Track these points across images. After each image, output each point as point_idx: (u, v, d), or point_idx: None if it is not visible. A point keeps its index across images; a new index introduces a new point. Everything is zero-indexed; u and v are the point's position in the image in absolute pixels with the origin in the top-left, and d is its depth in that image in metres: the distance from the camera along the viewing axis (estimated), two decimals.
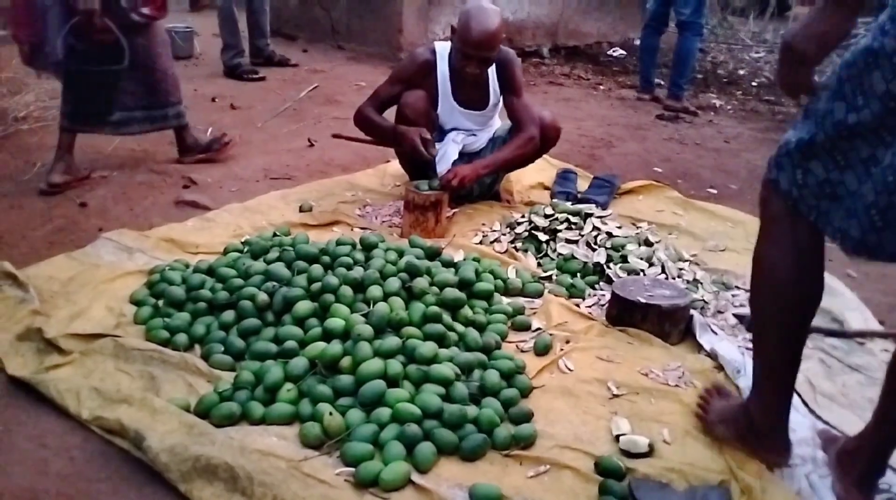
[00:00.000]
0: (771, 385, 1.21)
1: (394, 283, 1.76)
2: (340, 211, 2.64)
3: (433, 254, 2.05)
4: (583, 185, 3.04)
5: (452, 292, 1.79)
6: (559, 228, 2.27)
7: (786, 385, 1.21)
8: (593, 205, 2.49)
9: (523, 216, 2.46)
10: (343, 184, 2.97)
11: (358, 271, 1.79)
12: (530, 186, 3.05)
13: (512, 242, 2.33)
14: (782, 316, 1.14)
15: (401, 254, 1.98)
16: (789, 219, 1.10)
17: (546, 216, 2.33)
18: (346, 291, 1.72)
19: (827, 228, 1.06)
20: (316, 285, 1.75)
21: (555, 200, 2.61)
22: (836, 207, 1.03)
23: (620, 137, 4.03)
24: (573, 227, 2.28)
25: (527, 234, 2.31)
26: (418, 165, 2.57)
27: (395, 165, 3.11)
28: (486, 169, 2.37)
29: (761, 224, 1.15)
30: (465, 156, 2.54)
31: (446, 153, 2.43)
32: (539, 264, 2.20)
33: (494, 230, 2.49)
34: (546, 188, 3.06)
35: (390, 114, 2.57)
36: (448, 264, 2.07)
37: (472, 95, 2.56)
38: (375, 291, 1.73)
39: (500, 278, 2.08)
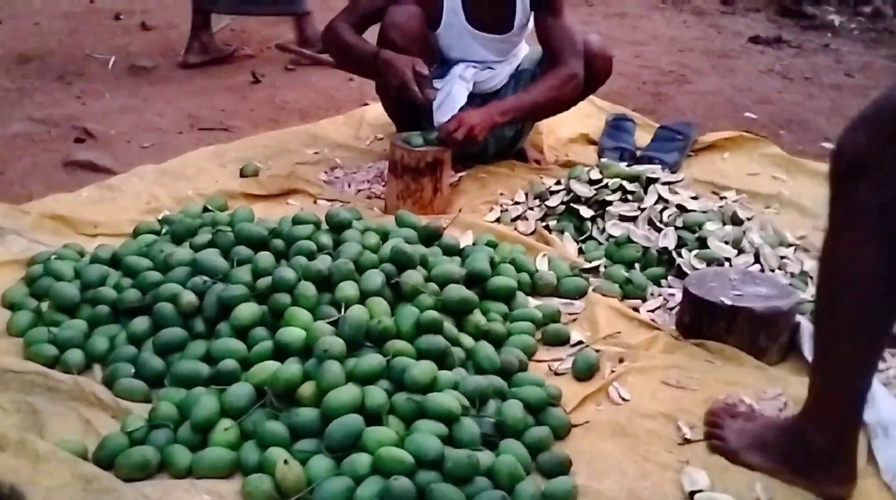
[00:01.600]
0: (839, 402, 1.29)
1: (375, 278, 1.79)
2: (298, 175, 2.67)
3: (430, 236, 2.08)
4: (643, 137, 3.05)
5: (458, 291, 1.82)
6: (609, 199, 2.31)
7: (856, 403, 1.29)
8: (658, 166, 2.52)
9: (558, 183, 2.49)
10: (302, 137, 2.97)
11: (324, 262, 1.82)
12: (569, 139, 3.06)
13: (542, 219, 2.39)
14: (865, 326, 1.21)
15: (384, 237, 2.02)
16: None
17: (591, 183, 2.36)
18: (307, 289, 1.75)
19: None
20: (264, 282, 1.79)
21: (604, 160, 2.64)
22: None
23: (697, 68, 4.06)
24: (629, 198, 2.31)
25: (564, 208, 2.36)
26: (409, 111, 2.59)
27: (375, 110, 3.09)
28: (505, 116, 2.40)
29: (837, 209, 1.21)
30: (477, 98, 2.57)
31: (450, 95, 2.47)
32: (581, 251, 2.25)
33: (518, 203, 2.51)
34: (591, 143, 3.06)
35: (373, 34, 2.59)
36: (452, 252, 2.10)
37: (490, 12, 2.57)
38: (348, 289, 1.75)
39: (526, 270, 2.10)
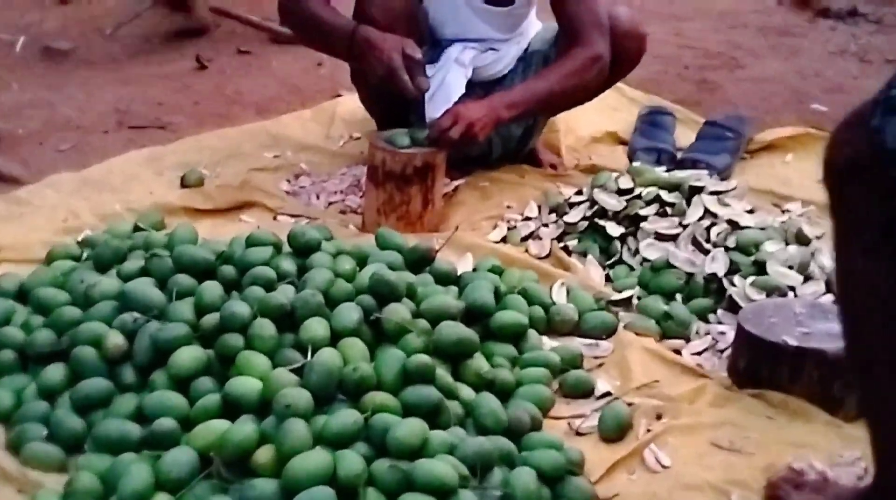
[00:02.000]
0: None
1: (350, 313, 1.81)
2: (254, 185, 2.69)
3: (420, 261, 2.11)
4: (686, 135, 3.08)
5: (454, 330, 1.84)
6: (643, 213, 2.33)
7: None
8: (704, 172, 2.55)
9: (580, 193, 2.48)
10: (259, 137, 2.98)
11: (285, 293, 1.84)
12: (592, 138, 3.07)
13: (560, 238, 2.41)
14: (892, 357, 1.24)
15: (362, 261, 2.05)
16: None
17: (620, 193, 2.38)
18: (265, 328, 1.77)
19: None
20: (210, 319, 1.80)
21: (636, 164, 2.65)
22: None
23: (753, 49, 4.08)
24: (668, 211, 2.34)
25: (586, 225, 2.38)
26: (394, 103, 2.61)
27: (350, 103, 3.11)
28: (513, 109, 2.43)
29: (840, 217, 1.25)
30: (478, 87, 2.59)
31: (444, 84, 2.49)
32: (608, 279, 2.28)
33: (529, 218, 2.51)
34: (620, 142, 3.08)
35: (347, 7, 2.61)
36: (446, 280, 2.10)
37: None
38: (316, 328, 1.78)
39: (540, 303, 2.10)
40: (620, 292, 2.18)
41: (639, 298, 2.16)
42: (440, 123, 2.36)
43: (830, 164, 1.24)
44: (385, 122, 2.63)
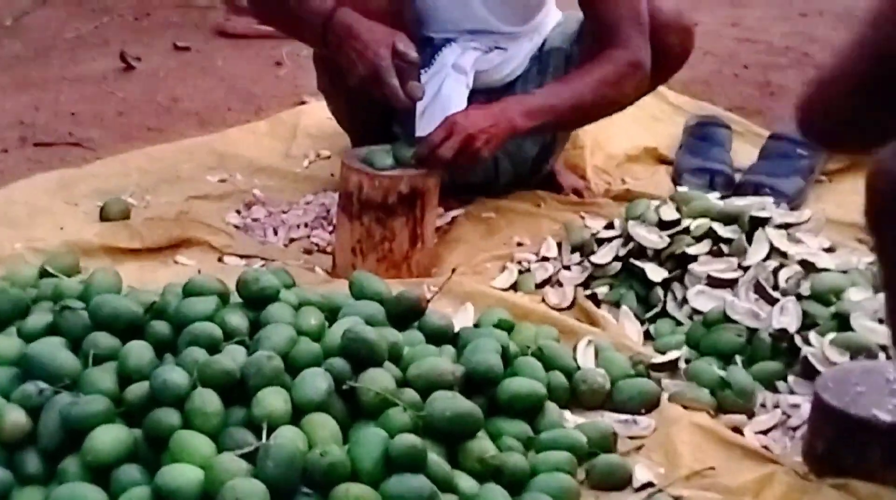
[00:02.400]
0: None
1: (316, 382, 1.81)
2: (194, 218, 2.69)
3: (407, 314, 2.13)
4: (746, 152, 3.09)
5: (450, 403, 1.84)
6: (692, 251, 2.34)
7: None
8: (769, 199, 2.55)
9: (610, 226, 2.50)
10: (201, 155, 3.01)
11: (234, 356, 1.85)
12: (627, 156, 3.09)
13: (586, 284, 2.42)
14: None
15: (332, 315, 2.07)
16: None
17: (663, 226, 2.40)
18: (207, 401, 1.76)
19: None
20: (137, 390, 1.79)
21: (682, 190, 2.66)
22: None
23: (830, 42, 4.06)
24: (724, 250, 2.35)
25: (620, 267, 2.39)
26: (375, 113, 2.64)
27: (317, 113, 3.15)
28: (531, 119, 2.44)
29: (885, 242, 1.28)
30: (480, 95, 2.61)
31: (440, 96, 2.52)
32: (648, 336, 2.29)
33: (546, 259, 2.53)
34: (663, 162, 3.09)
35: None
36: (441, 338, 2.12)
37: None
38: (273, 400, 1.77)
39: (560, 367, 2.11)
40: (664, 353, 2.19)
41: (687, 360, 2.16)
42: (431, 138, 2.36)
43: (874, 195, 1.32)
44: (362, 137, 2.65)
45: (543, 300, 2.39)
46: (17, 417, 1.77)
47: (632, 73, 2.49)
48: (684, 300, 2.31)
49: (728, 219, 2.39)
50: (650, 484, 1.86)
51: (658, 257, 2.38)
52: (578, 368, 2.11)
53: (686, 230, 2.38)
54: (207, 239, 2.57)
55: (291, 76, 3.50)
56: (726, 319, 2.20)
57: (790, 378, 2.11)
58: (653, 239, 2.38)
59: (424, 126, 2.47)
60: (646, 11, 2.50)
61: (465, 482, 1.76)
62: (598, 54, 2.49)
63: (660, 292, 2.34)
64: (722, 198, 2.51)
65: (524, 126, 2.42)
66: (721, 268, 2.31)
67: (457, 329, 2.13)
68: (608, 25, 2.49)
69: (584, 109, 2.50)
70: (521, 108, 2.43)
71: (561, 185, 2.82)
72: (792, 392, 2.09)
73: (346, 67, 2.40)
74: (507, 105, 2.44)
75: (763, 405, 2.07)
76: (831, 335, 2.11)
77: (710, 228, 2.36)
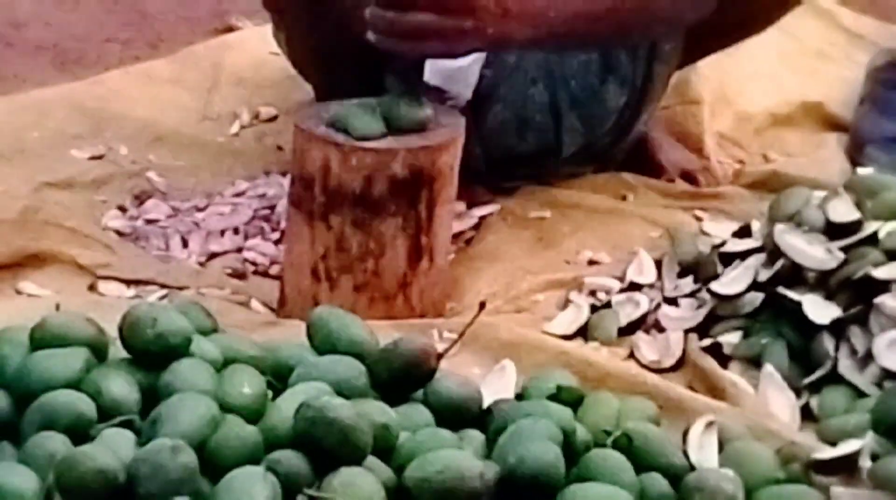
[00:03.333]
0: None
1: (253, 492, 1.66)
2: (49, 217, 2.59)
3: (404, 377, 1.99)
4: None
5: None
6: (882, 275, 2.22)
7: None
8: None
9: (743, 233, 2.41)
10: (62, 113, 2.92)
11: (114, 448, 1.72)
12: (772, 115, 3.01)
13: (705, 327, 2.33)
14: None
15: (278, 379, 1.97)
16: None
17: (834, 232, 2.29)
18: None
19: None
20: None
21: (865, 172, 2.54)
22: None
23: None
24: None
25: (761, 300, 2.29)
26: (350, 48, 2.54)
27: (253, 46, 3.11)
28: (528, 24, 2.39)
29: None
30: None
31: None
32: (808, 415, 2.20)
33: (638, 287, 2.44)
34: (835, 126, 2.99)
35: None
36: (460, 416, 1.99)
37: None
38: None
39: (663, 466, 1.94)
40: (834, 443, 2.00)
41: (874, 456, 1.97)
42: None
43: None
44: (333, 84, 2.61)
45: (633, 355, 2.29)
46: None
47: None
48: (868, 356, 2.16)
49: None
50: None
51: (825, 283, 2.23)
52: (692, 468, 1.94)
53: (872, 240, 2.24)
54: (71, 253, 2.44)
55: None
56: None
57: None
58: (816, 255, 2.23)
59: (438, 69, 2.55)
60: None
61: None
62: None
63: (828, 341, 2.19)
64: None
65: (556, 23, 2.39)
66: None
67: (487, 403, 2.00)
68: None
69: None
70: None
71: (661, 164, 2.75)
72: None
73: None
74: None
75: None
76: None
77: None
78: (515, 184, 2.66)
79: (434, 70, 2.48)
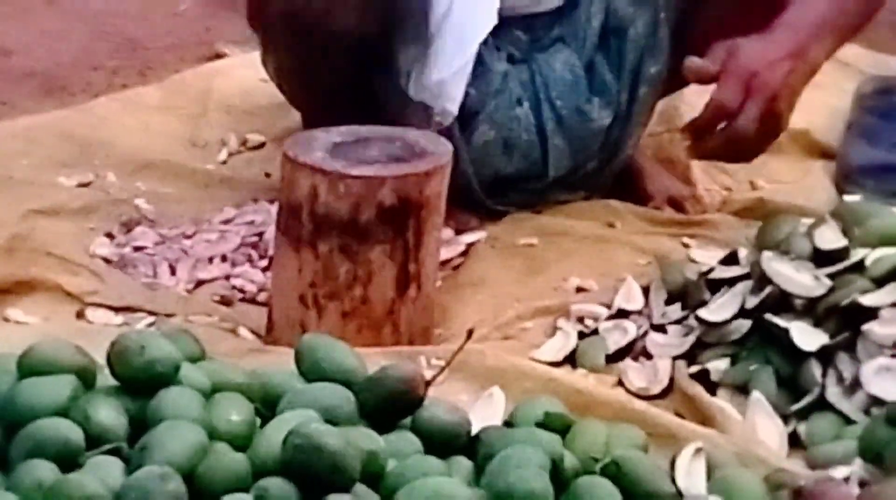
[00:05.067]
0: None
1: None
2: (37, 244, 2.57)
3: (393, 404, 2.01)
4: None
5: None
6: (870, 302, 2.22)
7: None
8: None
9: (730, 260, 2.42)
10: (49, 141, 2.89)
11: (102, 476, 1.72)
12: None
13: (691, 355, 2.34)
14: None
15: (266, 407, 1.98)
16: None
17: (821, 260, 2.31)
18: None
19: None
20: None
21: (852, 199, 2.55)
22: None
23: None
24: None
25: (748, 327, 2.30)
26: (349, 64, 2.54)
27: (241, 74, 3.10)
28: (822, 43, 2.46)
29: None
30: (516, 25, 2.61)
31: (452, 11, 2.49)
32: (797, 442, 2.21)
33: (625, 313, 2.44)
34: (821, 154, 3.01)
35: None
36: (449, 443, 1.99)
37: None
38: None
39: (651, 494, 1.94)
40: (823, 469, 2.03)
41: (862, 483, 1.99)
42: (722, 98, 2.33)
43: None
44: (324, 109, 2.59)
45: (621, 382, 2.29)
46: None
47: None
48: (856, 383, 2.17)
49: None
50: None
51: (812, 311, 2.24)
52: (680, 495, 1.95)
53: (859, 267, 2.25)
54: (59, 281, 2.44)
55: (199, 14, 3.41)
56: None
57: None
58: (804, 282, 2.24)
59: (443, 65, 2.50)
60: None
61: None
62: None
63: (815, 369, 2.20)
64: None
65: (820, 58, 2.45)
66: None
67: (475, 431, 2.00)
68: None
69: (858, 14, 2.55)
70: (807, 23, 2.40)
71: (648, 191, 2.76)
72: None
73: None
74: (786, 22, 2.41)
75: None
76: None
77: None
78: (507, 208, 2.65)
79: (419, 87, 2.47)
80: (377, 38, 2.44)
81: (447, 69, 2.44)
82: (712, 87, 2.66)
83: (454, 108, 2.56)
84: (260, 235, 2.58)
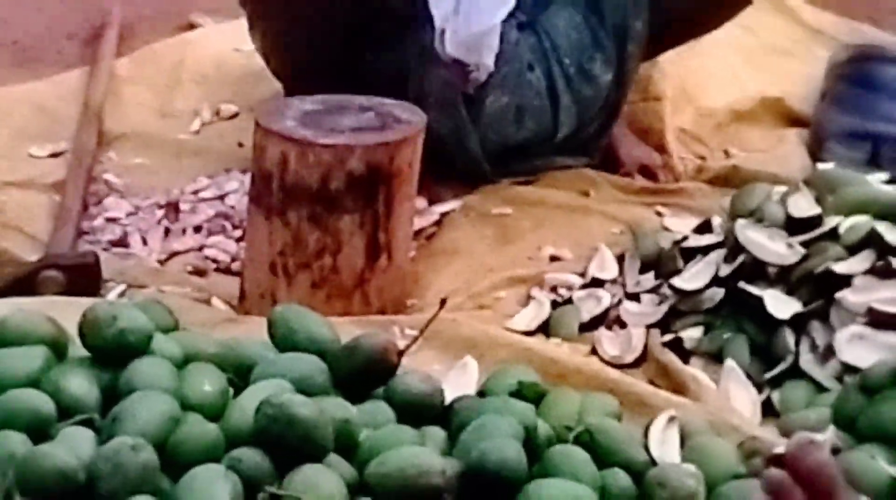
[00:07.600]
0: None
1: (214, 490, 1.69)
2: (7, 217, 2.57)
3: (365, 373, 2.02)
4: None
5: None
6: (842, 269, 2.23)
7: None
8: None
9: (704, 228, 2.44)
10: (16, 111, 2.89)
11: (74, 446, 1.72)
12: (733, 111, 3.04)
13: (666, 324, 2.32)
14: None
15: (240, 376, 1.98)
16: None
17: (795, 227, 2.32)
18: None
19: None
20: None
21: (826, 167, 2.55)
22: None
23: None
24: None
25: (721, 295, 2.32)
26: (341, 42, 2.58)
27: (215, 43, 3.09)
28: None
29: None
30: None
31: None
32: (770, 410, 2.23)
33: (599, 282, 2.45)
34: (794, 121, 3.03)
35: None
36: (422, 412, 2.01)
37: None
38: None
39: (624, 461, 1.95)
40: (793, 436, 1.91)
41: (835, 450, 1.95)
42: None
43: None
44: (309, 77, 2.57)
45: (594, 351, 2.30)
46: None
47: None
48: (829, 351, 2.16)
49: None
50: None
51: (786, 278, 2.24)
52: (653, 463, 1.95)
53: (833, 235, 2.24)
54: (24, 255, 2.42)
55: None
56: None
57: None
58: (777, 250, 2.25)
59: (490, 9, 2.47)
60: None
61: None
62: None
63: (789, 336, 2.20)
64: (890, 181, 2.41)
65: None
66: (890, 297, 2.17)
67: (449, 400, 2.01)
68: None
69: None
70: None
71: (621, 159, 2.77)
72: None
73: None
74: None
75: None
76: None
77: (873, 232, 2.26)
78: (474, 183, 2.65)
79: (454, 42, 2.47)
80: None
81: (488, 20, 2.44)
82: (685, 52, 2.76)
83: (491, 60, 2.55)
84: (233, 206, 2.60)
